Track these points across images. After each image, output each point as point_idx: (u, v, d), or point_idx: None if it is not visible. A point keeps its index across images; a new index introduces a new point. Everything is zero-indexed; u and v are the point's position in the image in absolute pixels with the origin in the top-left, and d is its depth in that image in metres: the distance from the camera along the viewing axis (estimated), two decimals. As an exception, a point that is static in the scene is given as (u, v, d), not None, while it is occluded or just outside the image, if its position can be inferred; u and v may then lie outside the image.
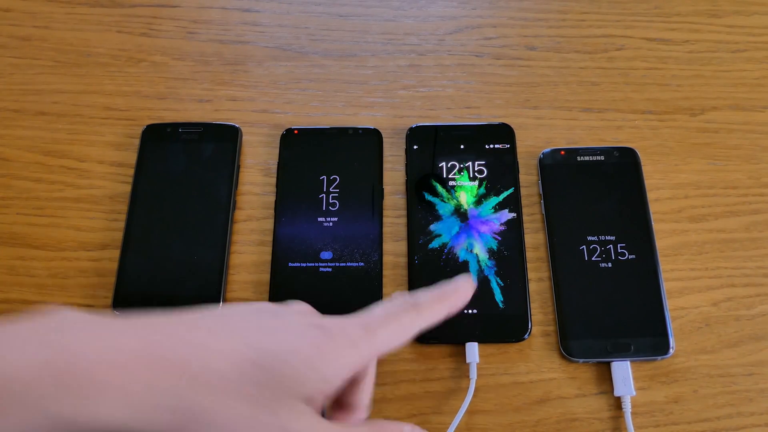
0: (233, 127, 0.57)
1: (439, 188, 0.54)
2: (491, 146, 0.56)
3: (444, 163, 0.55)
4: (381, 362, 0.49)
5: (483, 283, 0.51)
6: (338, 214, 0.53)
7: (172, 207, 0.53)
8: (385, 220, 0.54)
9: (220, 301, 0.50)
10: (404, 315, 0.38)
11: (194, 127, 0.56)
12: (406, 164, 0.56)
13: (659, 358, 0.49)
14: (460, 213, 0.53)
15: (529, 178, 0.56)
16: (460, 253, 0.52)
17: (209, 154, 0.55)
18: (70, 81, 0.60)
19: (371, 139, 0.56)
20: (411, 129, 0.57)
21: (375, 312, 0.37)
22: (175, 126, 0.57)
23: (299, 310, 0.39)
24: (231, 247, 0.53)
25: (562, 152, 0.56)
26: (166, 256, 0.52)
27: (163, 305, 0.50)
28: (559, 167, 0.55)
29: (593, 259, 0.52)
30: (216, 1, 0.65)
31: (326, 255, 0.52)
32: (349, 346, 0.35)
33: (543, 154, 0.56)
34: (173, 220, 0.53)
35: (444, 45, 0.62)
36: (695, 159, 0.57)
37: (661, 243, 0.53)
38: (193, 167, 0.55)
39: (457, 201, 0.54)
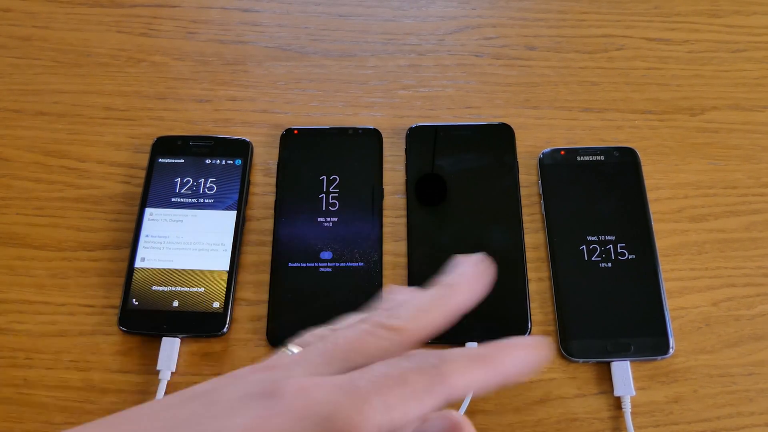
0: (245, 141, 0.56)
1: (439, 188, 0.54)
2: (491, 146, 0.56)
3: (444, 163, 0.55)
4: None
5: (483, 283, 0.51)
6: (338, 214, 0.53)
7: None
8: (385, 220, 0.54)
9: (229, 304, 0.50)
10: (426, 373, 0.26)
11: (206, 141, 0.56)
12: (406, 164, 0.56)
13: (659, 358, 0.49)
14: (460, 213, 0.53)
15: (529, 178, 0.56)
16: (460, 253, 0.52)
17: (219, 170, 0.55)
18: (70, 81, 0.60)
19: (371, 139, 0.56)
20: (411, 129, 0.57)
21: (375, 370, 0.26)
22: (185, 139, 0.56)
23: (243, 377, 0.27)
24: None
25: (562, 152, 0.56)
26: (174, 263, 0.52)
27: (172, 314, 0.50)
28: (559, 167, 0.55)
29: (593, 258, 0.52)
30: (216, 1, 0.65)
31: (326, 255, 0.52)
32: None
33: (543, 154, 0.56)
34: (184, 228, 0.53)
35: (444, 45, 0.62)
36: (695, 159, 0.57)
37: (661, 243, 0.53)
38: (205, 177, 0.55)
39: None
